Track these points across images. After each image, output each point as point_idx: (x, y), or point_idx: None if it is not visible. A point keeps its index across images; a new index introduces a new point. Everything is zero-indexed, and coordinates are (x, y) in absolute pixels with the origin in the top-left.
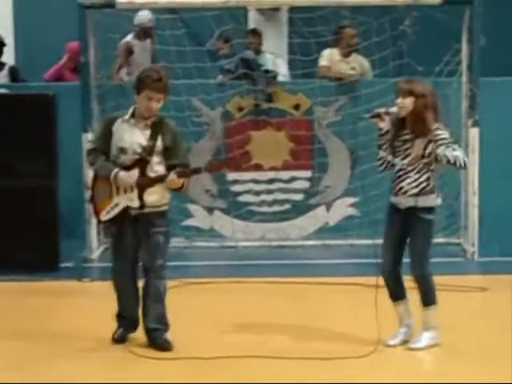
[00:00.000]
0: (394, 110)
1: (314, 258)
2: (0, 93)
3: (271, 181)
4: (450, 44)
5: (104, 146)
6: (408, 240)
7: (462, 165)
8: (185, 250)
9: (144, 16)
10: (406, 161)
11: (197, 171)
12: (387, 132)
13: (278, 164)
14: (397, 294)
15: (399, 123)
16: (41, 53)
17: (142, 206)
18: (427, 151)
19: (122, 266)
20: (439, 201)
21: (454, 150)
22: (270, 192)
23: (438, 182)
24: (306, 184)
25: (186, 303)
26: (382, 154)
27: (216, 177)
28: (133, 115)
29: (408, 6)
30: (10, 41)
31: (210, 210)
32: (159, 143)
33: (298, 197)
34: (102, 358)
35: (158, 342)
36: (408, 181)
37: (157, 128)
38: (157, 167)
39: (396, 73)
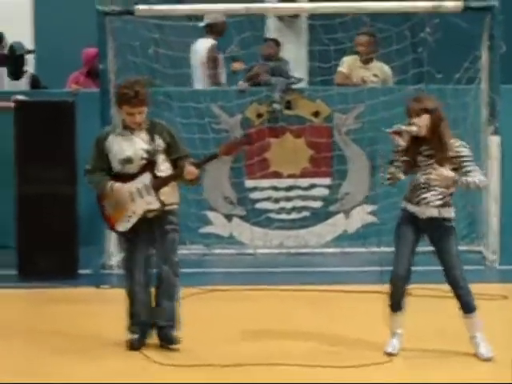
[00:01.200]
0: (414, 129)
1: (332, 265)
2: (20, 99)
3: (290, 188)
4: (469, 51)
5: (101, 164)
6: (438, 252)
7: (484, 187)
8: (204, 257)
9: (216, 14)
10: (432, 176)
11: (213, 157)
12: (403, 150)
13: (297, 171)
14: (402, 303)
15: (419, 140)
16: (61, 60)
17: (163, 205)
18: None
19: (133, 271)
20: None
21: (474, 171)
22: (288, 199)
23: (460, 189)
24: (325, 191)
25: (204, 310)
26: (392, 169)
27: (235, 184)
28: (124, 126)
29: (428, 13)
30: (30, 48)
31: (229, 217)
32: (160, 142)
33: (317, 204)
34: (117, 364)
35: (167, 337)
36: (433, 193)
37: (151, 130)
38: (162, 166)
39: (416, 80)
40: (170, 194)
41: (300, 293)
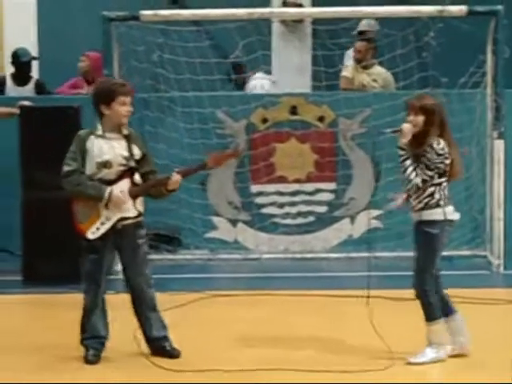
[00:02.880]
0: (404, 125)
1: (338, 270)
2: (25, 105)
3: (295, 193)
4: (474, 55)
5: (81, 165)
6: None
7: (410, 188)
8: (209, 262)
9: (371, 22)
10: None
11: (201, 168)
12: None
13: (302, 176)
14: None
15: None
16: (65, 66)
17: (139, 214)
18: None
19: (100, 282)
20: (456, 215)
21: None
22: (293, 204)
23: (464, 194)
24: (330, 196)
25: (209, 315)
26: (410, 164)
27: (240, 189)
28: (103, 130)
29: (433, 18)
30: (34, 54)
31: (234, 222)
32: (137, 151)
33: (322, 209)
34: (120, 369)
35: (168, 349)
36: (414, 196)
37: (129, 138)
38: (136, 176)
39: (421, 85)
40: (142, 204)
41: (305, 298)
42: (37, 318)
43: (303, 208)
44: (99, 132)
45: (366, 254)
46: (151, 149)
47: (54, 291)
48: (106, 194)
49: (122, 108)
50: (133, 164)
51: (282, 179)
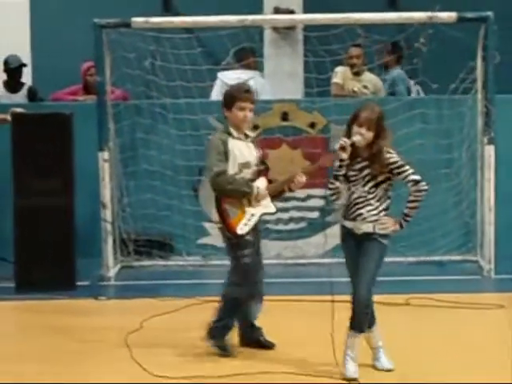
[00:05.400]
0: (356, 139)
1: (330, 276)
2: (18, 112)
3: (287, 199)
4: (464, 61)
5: (226, 166)
6: (357, 263)
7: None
8: (201, 268)
9: None
10: (366, 188)
11: (317, 167)
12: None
13: None
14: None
15: (352, 152)
16: (58, 73)
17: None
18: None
19: (258, 273)
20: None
21: (406, 172)
22: (285, 210)
23: (455, 199)
24: (321, 202)
25: (201, 321)
26: (337, 184)
27: None
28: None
29: (423, 24)
30: (27, 61)
31: None
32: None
33: (314, 215)
34: (116, 375)
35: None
36: (368, 208)
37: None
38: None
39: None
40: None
41: (297, 303)
42: (31, 324)
43: (295, 214)
44: (235, 134)
45: None
46: (143, 155)
47: (47, 297)
48: (255, 190)
49: (240, 113)
50: (263, 164)
51: None
